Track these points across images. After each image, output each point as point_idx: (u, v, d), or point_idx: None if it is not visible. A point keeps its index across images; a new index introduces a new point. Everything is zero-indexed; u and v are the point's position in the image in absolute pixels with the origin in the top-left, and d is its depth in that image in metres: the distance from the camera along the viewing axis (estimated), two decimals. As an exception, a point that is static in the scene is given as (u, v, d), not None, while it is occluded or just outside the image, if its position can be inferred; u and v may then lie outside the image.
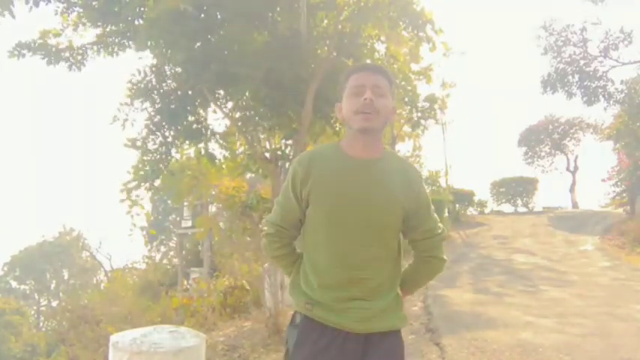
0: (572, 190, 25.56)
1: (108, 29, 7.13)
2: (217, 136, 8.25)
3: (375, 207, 1.60)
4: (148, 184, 7.71)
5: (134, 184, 7.67)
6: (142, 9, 6.54)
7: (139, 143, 7.55)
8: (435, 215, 1.75)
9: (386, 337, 1.63)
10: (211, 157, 8.04)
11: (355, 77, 1.64)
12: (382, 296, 1.64)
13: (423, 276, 1.82)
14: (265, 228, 1.79)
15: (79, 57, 7.39)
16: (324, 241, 1.64)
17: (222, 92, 7.64)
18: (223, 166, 8.63)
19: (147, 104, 7.49)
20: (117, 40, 7.29)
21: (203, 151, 7.92)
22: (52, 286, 36.71)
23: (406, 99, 10.03)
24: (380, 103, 1.59)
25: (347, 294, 1.61)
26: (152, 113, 7.50)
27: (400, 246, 1.73)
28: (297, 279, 1.73)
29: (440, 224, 1.75)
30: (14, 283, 36.98)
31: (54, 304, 31.69)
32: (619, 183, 17.22)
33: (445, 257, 1.78)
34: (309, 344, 1.61)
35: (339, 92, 1.72)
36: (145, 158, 7.58)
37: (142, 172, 7.57)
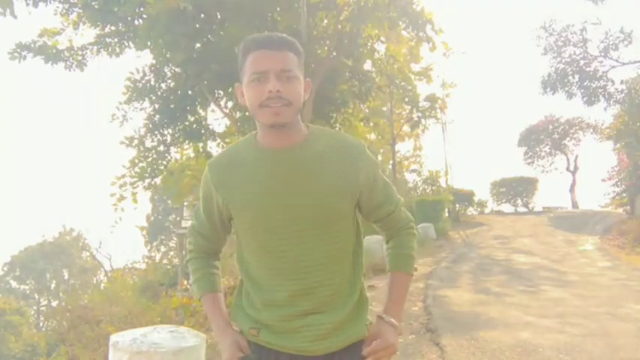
0: (572, 190, 25.58)
1: (107, 29, 7.14)
2: (217, 136, 8.26)
3: (303, 200, 1.33)
4: (146, 183, 7.71)
5: (129, 179, 7.65)
6: (142, 9, 6.55)
7: (136, 142, 7.55)
8: (392, 186, 1.52)
9: (348, 351, 1.38)
10: (209, 156, 8.05)
11: (254, 59, 1.29)
12: (340, 305, 1.38)
13: (413, 247, 1.53)
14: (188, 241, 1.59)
15: (80, 57, 7.39)
16: (257, 251, 1.40)
17: (222, 92, 7.65)
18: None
19: (146, 104, 7.50)
20: (116, 40, 7.30)
21: (202, 150, 7.93)
22: (52, 286, 36.73)
23: (406, 99, 10.04)
24: (290, 91, 1.30)
25: (296, 309, 1.36)
26: (152, 113, 7.51)
27: (359, 237, 1.48)
28: (240, 301, 1.47)
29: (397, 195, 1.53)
30: (14, 283, 37.01)
31: (54, 304, 31.73)
32: (619, 183, 17.24)
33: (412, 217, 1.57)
34: None
35: (238, 70, 1.36)
36: (142, 156, 7.58)
37: (138, 169, 7.56)
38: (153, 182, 7.86)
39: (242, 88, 1.36)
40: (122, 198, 7.67)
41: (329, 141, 1.41)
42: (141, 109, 7.49)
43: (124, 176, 7.63)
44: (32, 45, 6.92)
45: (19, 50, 6.85)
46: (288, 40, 1.35)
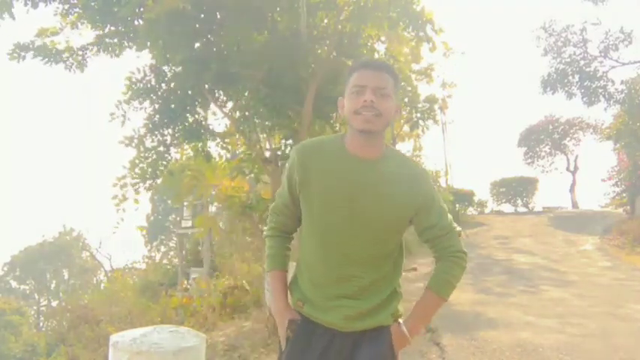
0: (572, 190, 25.56)
1: (107, 30, 7.12)
2: (217, 136, 8.24)
3: (368, 206, 1.55)
4: (147, 184, 7.68)
5: (130, 181, 7.63)
6: (141, 9, 6.54)
7: (135, 142, 7.53)
8: (450, 215, 1.70)
9: (375, 335, 1.61)
10: (207, 157, 8.04)
11: (357, 75, 1.56)
12: (374, 295, 1.61)
13: (454, 275, 1.68)
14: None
15: (79, 58, 7.38)
16: (314, 236, 1.63)
17: (222, 92, 7.64)
18: (225, 164, 8.64)
19: (146, 104, 7.48)
20: (116, 41, 7.28)
21: (201, 149, 7.91)
22: (52, 286, 36.72)
23: (406, 99, 10.02)
24: (382, 104, 1.53)
25: (335, 292, 1.60)
26: (152, 113, 7.49)
27: (402, 246, 1.70)
28: (296, 276, 1.73)
29: (454, 223, 1.70)
30: (14, 283, 37.01)
31: (54, 304, 31.71)
32: (619, 183, 17.23)
33: (466, 250, 1.72)
34: (298, 341, 1.63)
35: (344, 87, 1.64)
36: (142, 156, 7.55)
37: (138, 170, 7.54)
38: (154, 183, 7.82)
39: (343, 100, 1.63)
40: (123, 199, 7.65)
41: (400, 162, 1.64)
42: (140, 109, 7.45)
43: (124, 177, 7.61)
44: (31, 45, 6.89)
45: (17, 50, 6.83)
46: (387, 65, 1.64)
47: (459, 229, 1.70)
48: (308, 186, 1.60)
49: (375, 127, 1.53)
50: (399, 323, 1.64)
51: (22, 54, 6.86)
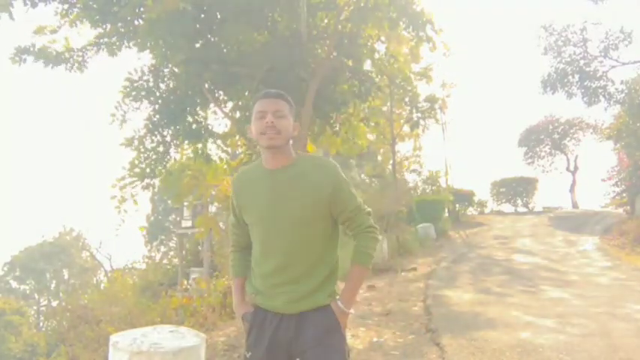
0: (572, 190, 25.57)
1: (107, 30, 7.12)
2: (216, 137, 8.24)
3: (289, 205, 1.88)
4: (145, 183, 7.67)
5: (129, 180, 7.62)
6: (141, 9, 6.53)
7: (136, 142, 7.52)
8: (359, 199, 1.99)
9: (315, 314, 1.89)
10: (207, 158, 8.04)
11: (259, 104, 1.92)
12: (311, 278, 1.91)
13: (370, 247, 1.97)
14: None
15: (79, 59, 7.37)
16: (255, 238, 2.00)
17: (222, 92, 7.63)
18: (224, 166, 8.64)
19: (145, 104, 7.47)
20: (116, 41, 7.27)
21: (200, 151, 7.90)
22: (52, 286, 36.72)
23: (406, 99, 10.03)
24: (280, 124, 1.88)
25: (277, 280, 1.93)
26: (151, 113, 7.48)
27: (334, 230, 1.99)
28: (251, 273, 2.08)
29: (364, 205, 1.99)
30: (14, 283, 37.02)
31: (54, 304, 31.70)
32: (619, 183, 17.22)
33: (377, 226, 2.02)
34: (255, 328, 1.96)
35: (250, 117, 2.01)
36: (142, 156, 7.54)
37: (137, 170, 7.53)
38: (152, 182, 7.81)
39: (250, 127, 1.97)
40: (123, 200, 7.64)
41: (311, 163, 1.97)
42: (138, 109, 7.44)
43: (124, 178, 7.60)
44: (32, 48, 6.88)
45: (19, 54, 6.82)
46: (282, 94, 1.96)
47: (368, 209, 2.01)
48: (244, 206, 2.00)
49: (277, 142, 1.88)
50: (336, 301, 1.92)
51: (24, 57, 6.85)
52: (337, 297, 1.95)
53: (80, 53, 7.35)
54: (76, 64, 7.37)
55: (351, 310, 1.96)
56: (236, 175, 2.12)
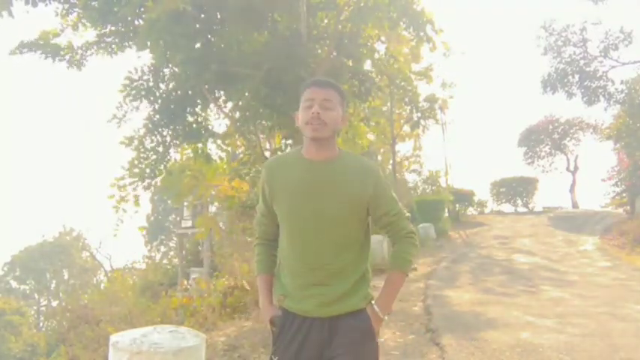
0: (572, 190, 25.55)
1: (107, 30, 7.13)
2: (216, 137, 8.24)
3: (326, 201, 1.78)
4: (145, 183, 7.68)
5: (128, 180, 7.62)
6: (142, 9, 6.54)
7: (135, 142, 7.52)
8: (399, 204, 1.92)
9: (349, 318, 1.79)
10: (207, 158, 8.04)
11: (308, 91, 1.83)
12: (343, 280, 1.81)
13: (411, 253, 1.91)
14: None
15: (78, 56, 7.39)
16: (286, 233, 1.87)
17: (222, 92, 7.63)
18: (224, 166, 8.65)
19: (145, 103, 7.47)
20: (116, 41, 7.28)
21: (200, 151, 7.91)
22: (52, 286, 36.71)
23: (406, 99, 10.03)
24: (327, 115, 1.78)
25: (307, 281, 1.81)
26: (151, 113, 7.48)
27: (367, 233, 1.91)
28: (279, 271, 1.94)
29: (404, 210, 1.93)
30: (14, 283, 36.99)
31: (54, 304, 31.72)
32: (619, 183, 17.21)
33: (415, 230, 1.96)
34: (283, 334, 1.83)
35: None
36: (141, 156, 7.55)
37: (136, 170, 7.53)
38: (152, 183, 7.81)
39: (297, 114, 1.87)
40: (122, 200, 7.64)
41: (353, 161, 1.88)
42: (137, 109, 7.45)
43: (123, 178, 7.60)
44: (34, 47, 6.93)
45: (20, 49, 6.86)
46: (332, 82, 1.88)
47: (408, 214, 1.95)
48: (276, 194, 1.86)
49: (321, 134, 1.78)
50: (372, 305, 1.83)
51: (24, 50, 6.89)
52: (373, 301, 1.84)
53: (79, 51, 7.37)
54: (75, 62, 7.39)
55: (386, 317, 1.85)
56: (270, 160, 1.98)
